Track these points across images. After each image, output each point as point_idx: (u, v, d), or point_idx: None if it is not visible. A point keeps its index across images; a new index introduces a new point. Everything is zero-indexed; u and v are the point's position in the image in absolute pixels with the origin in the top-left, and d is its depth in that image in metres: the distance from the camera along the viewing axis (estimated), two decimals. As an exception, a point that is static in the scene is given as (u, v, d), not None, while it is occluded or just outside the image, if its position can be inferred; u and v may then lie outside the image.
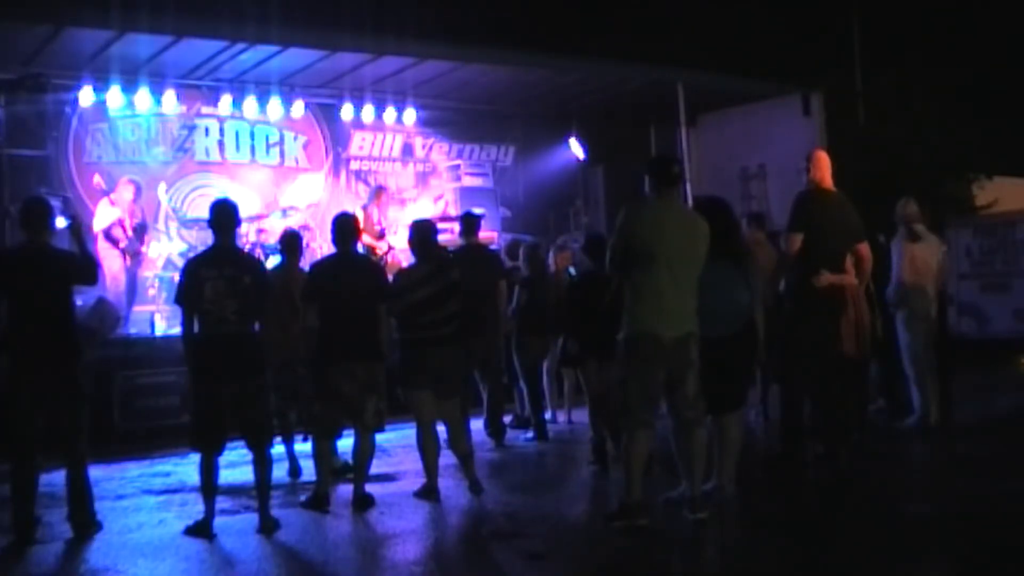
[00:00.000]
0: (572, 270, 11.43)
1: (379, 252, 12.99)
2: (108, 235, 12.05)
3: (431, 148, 15.86)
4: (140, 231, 12.28)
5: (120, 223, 12.10)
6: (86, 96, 12.63)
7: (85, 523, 6.96)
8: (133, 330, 11.93)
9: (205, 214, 7.38)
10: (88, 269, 7.19)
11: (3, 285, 6.85)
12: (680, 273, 6.44)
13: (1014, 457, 8.57)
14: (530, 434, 10.40)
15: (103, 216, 12.15)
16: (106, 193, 12.38)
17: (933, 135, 20.64)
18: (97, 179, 12.70)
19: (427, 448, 7.66)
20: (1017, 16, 21.37)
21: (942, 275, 9.96)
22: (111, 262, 12.02)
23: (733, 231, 7.25)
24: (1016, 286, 12.37)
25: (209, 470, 6.87)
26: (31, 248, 6.95)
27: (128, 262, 12.11)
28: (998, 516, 6.61)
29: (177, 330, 8.10)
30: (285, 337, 8.03)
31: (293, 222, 13.00)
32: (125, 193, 12.29)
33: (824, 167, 8.09)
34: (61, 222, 7.77)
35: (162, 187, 12.39)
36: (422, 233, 7.97)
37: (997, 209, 21.12)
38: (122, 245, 12.04)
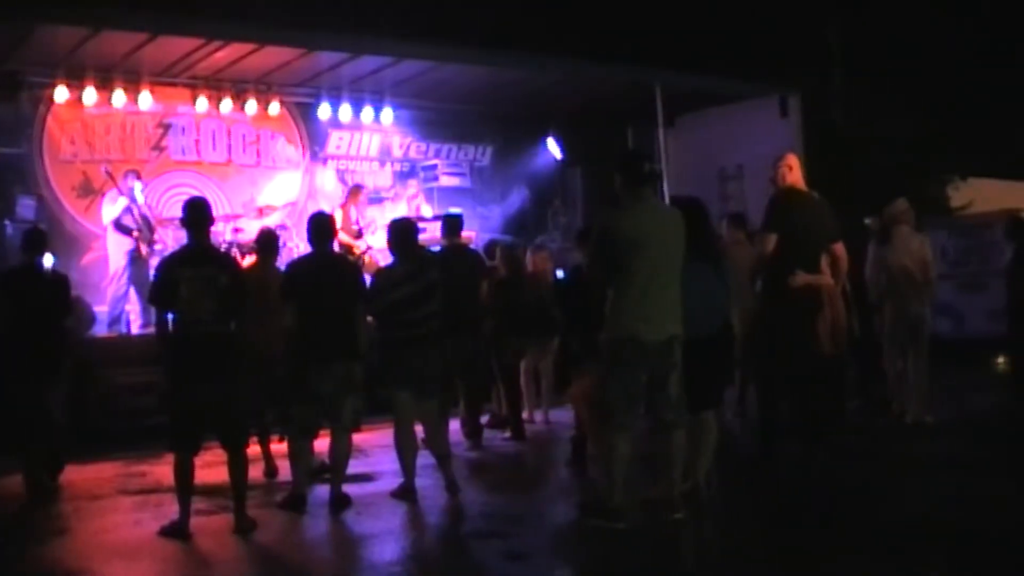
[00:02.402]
0: (560, 272, 11.44)
1: (356, 251, 12.96)
2: (119, 225, 12.02)
3: (409, 147, 15.83)
4: (148, 222, 12.27)
5: (129, 210, 12.10)
6: (61, 94, 12.55)
7: None
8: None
9: (180, 213, 7.34)
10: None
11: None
12: (663, 274, 6.43)
13: (990, 456, 8.62)
14: (507, 434, 10.40)
15: (111, 208, 12.17)
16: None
17: (908, 136, 20.77)
18: (102, 173, 12.70)
19: (405, 448, 7.64)
20: (993, 17, 21.51)
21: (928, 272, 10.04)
22: (119, 257, 11.99)
23: (708, 231, 7.25)
24: (991, 286, 12.44)
25: (185, 470, 6.82)
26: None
27: (144, 250, 12.06)
28: (975, 514, 6.64)
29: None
30: (262, 337, 7.99)
31: (270, 221, 12.95)
32: (130, 184, 12.31)
33: (796, 169, 8.12)
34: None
35: (137, 186, 12.32)
36: (402, 232, 7.94)
37: (972, 210, 21.26)
38: (135, 234, 12.01)
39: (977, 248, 16.14)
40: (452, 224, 10.42)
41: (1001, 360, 12.71)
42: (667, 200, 10.41)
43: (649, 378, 6.44)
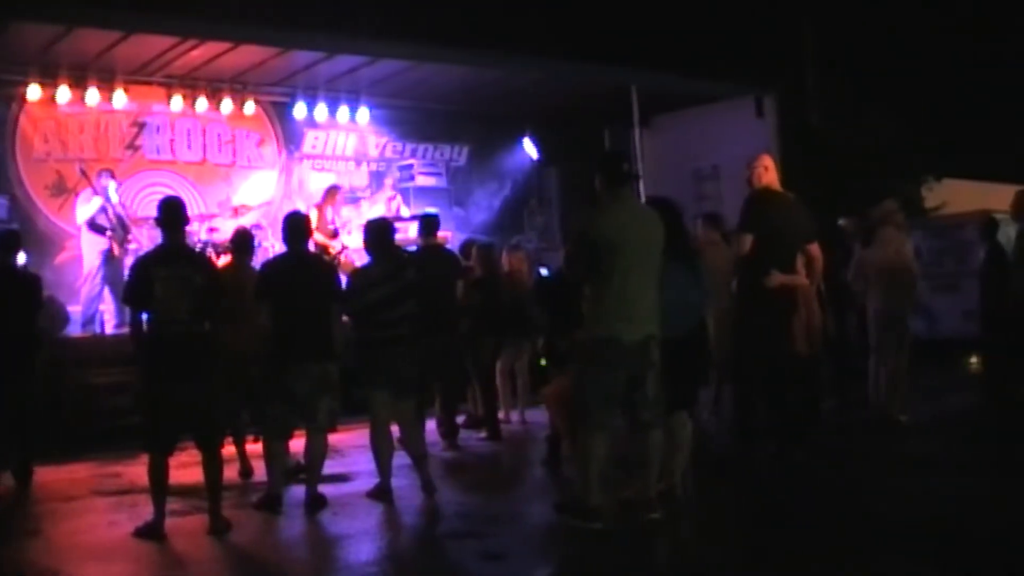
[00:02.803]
0: (544, 270, 11.44)
1: (332, 251, 12.92)
2: (93, 225, 11.94)
3: (385, 147, 15.80)
4: (122, 222, 12.19)
5: (104, 210, 12.01)
6: (34, 92, 12.46)
7: None
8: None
9: (154, 212, 7.30)
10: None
11: None
12: (642, 273, 6.43)
13: (964, 455, 8.69)
14: (483, 434, 10.39)
15: (85, 207, 12.09)
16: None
17: (883, 137, 20.87)
18: (76, 172, 12.61)
19: (381, 448, 7.62)
20: (967, 19, 21.66)
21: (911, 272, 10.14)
22: (93, 256, 11.91)
23: (683, 231, 7.26)
24: (965, 287, 12.52)
25: (159, 471, 6.78)
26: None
27: (118, 251, 11.99)
28: (949, 512, 6.67)
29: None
30: (237, 337, 7.95)
31: (245, 221, 12.89)
32: (104, 183, 12.22)
33: (772, 169, 8.15)
34: None
35: (112, 185, 12.25)
36: (379, 233, 7.93)
37: (947, 211, 21.39)
38: (109, 234, 11.93)
39: (951, 249, 16.26)
40: (428, 224, 10.41)
41: (974, 360, 12.80)
42: (643, 200, 10.43)
43: (627, 378, 6.45)
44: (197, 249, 11.35)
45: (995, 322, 10.99)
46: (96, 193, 12.06)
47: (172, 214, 7.05)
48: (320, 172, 15.16)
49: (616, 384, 6.43)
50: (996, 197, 17.49)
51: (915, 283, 10.11)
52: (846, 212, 11.67)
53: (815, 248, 8.08)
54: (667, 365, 6.61)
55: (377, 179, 15.54)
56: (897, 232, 10.07)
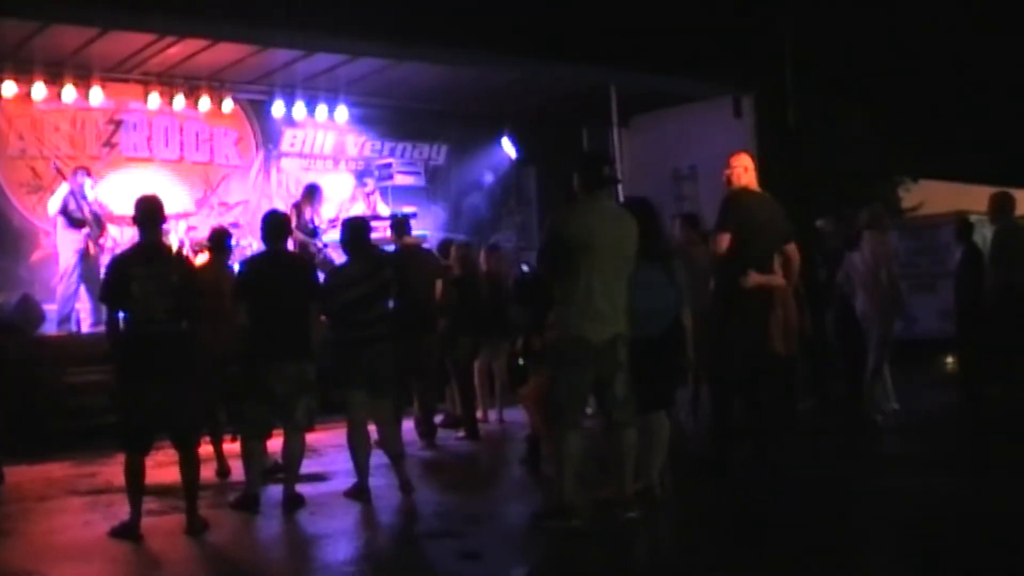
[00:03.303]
0: (525, 267, 11.44)
1: (311, 250, 12.89)
2: (66, 214, 11.85)
3: (364, 146, 15.77)
4: (98, 220, 12.13)
5: (75, 200, 11.91)
6: (9, 88, 12.38)
7: None
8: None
9: (131, 210, 7.26)
10: None
11: None
12: (611, 274, 6.45)
13: (941, 455, 8.75)
14: (461, 433, 10.39)
15: (54, 198, 11.99)
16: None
17: (861, 139, 20.98)
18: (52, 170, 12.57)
19: (358, 447, 7.61)
20: (944, 21, 21.77)
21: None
22: (69, 254, 11.85)
23: (658, 232, 7.27)
24: (941, 287, 12.59)
25: (136, 470, 6.74)
26: None
27: (94, 249, 11.91)
28: (926, 513, 6.72)
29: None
30: (214, 335, 7.93)
31: (223, 219, 12.85)
32: (80, 180, 12.16)
33: (751, 170, 8.17)
34: None
35: (88, 183, 12.19)
36: (355, 232, 7.92)
37: (923, 212, 21.51)
38: (86, 232, 11.86)
39: (927, 249, 16.35)
40: (400, 225, 10.46)
41: (950, 360, 12.87)
42: (621, 200, 10.44)
43: (596, 378, 6.46)
44: (174, 248, 11.30)
45: (971, 322, 11.06)
46: (72, 191, 11.98)
47: (149, 212, 7.01)
48: (299, 171, 15.11)
49: (585, 383, 6.45)
50: (972, 198, 17.61)
51: (899, 286, 10.22)
52: (823, 212, 11.71)
53: (792, 248, 8.11)
54: (644, 365, 6.62)
55: (357, 177, 15.51)
56: (883, 235, 10.17)
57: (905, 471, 8.06)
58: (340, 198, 15.09)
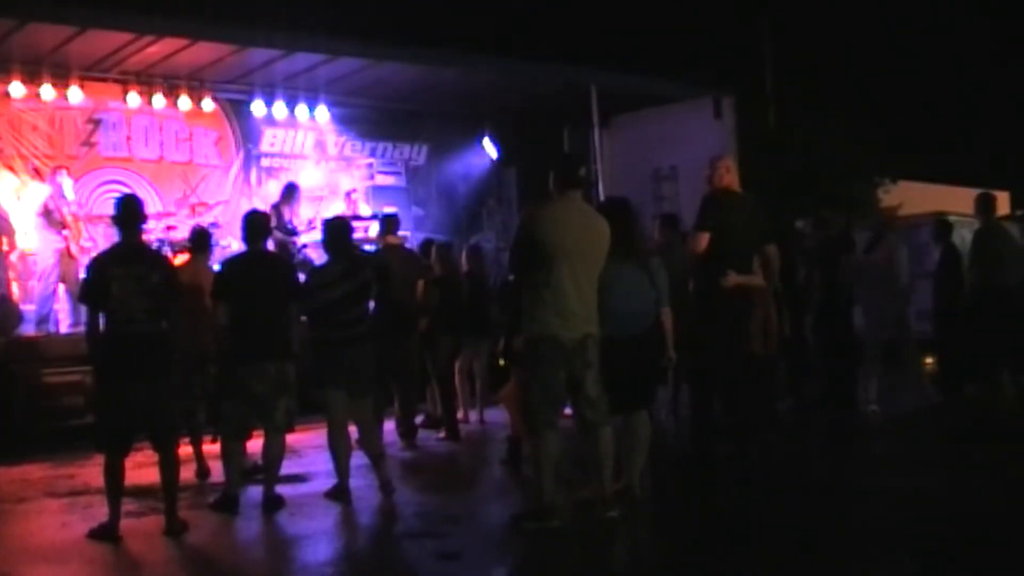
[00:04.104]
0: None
1: (290, 250, 12.86)
2: (47, 215, 11.78)
3: (344, 146, 15.74)
4: (77, 220, 12.09)
5: (54, 199, 11.84)
6: (-14, 88, 12.32)
7: None
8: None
9: (110, 210, 7.24)
10: None
11: None
12: (581, 274, 6.44)
13: (919, 455, 8.79)
14: (441, 434, 10.39)
15: (34, 200, 11.93)
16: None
17: (839, 139, 21.06)
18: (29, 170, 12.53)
19: (338, 448, 7.59)
20: (923, 24, 21.90)
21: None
22: (47, 254, 11.77)
23: (636, 232, 7.28)
24: (919, 288, 12.65)
25: (114, 471, 6.71)
26: None
27: (72, 248, 11.86)
28: (905, 511, 6.75)
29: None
30: (194, 336, 7.90)
31: (203, 219, 12.80)
32: (59, 180, 12.11)
33: (733, 171, 8.18)
34: None
35: (67, 182, 12.12)
36: (336, 232, 7.91)
37: (902, 212, 21.58)
38: (65, 233, 11.80)
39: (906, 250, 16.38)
40: (389, 223, 10.42)
41: (929, 360, 12.91)
42: (602, 200, 10.47)
43: (568, 378, 6.47)
44: (154, 248, 11.25)
45: (949, 323, 11.12)
46: (52, 192, 11.93)
47: (129, 212, 6.98)
48: (278, 170, 15.08)
49: (558, 383, 6.45)
50: (951, 199, 17.70)
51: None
52: (803, 213, 11.77)
53: (772, 249, 8.13)
54: (624, 365, 6.63)
55: (335, 178, 15.48)
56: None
57: (884, 471, 8.11)
58: (319, 197, 15.05)
